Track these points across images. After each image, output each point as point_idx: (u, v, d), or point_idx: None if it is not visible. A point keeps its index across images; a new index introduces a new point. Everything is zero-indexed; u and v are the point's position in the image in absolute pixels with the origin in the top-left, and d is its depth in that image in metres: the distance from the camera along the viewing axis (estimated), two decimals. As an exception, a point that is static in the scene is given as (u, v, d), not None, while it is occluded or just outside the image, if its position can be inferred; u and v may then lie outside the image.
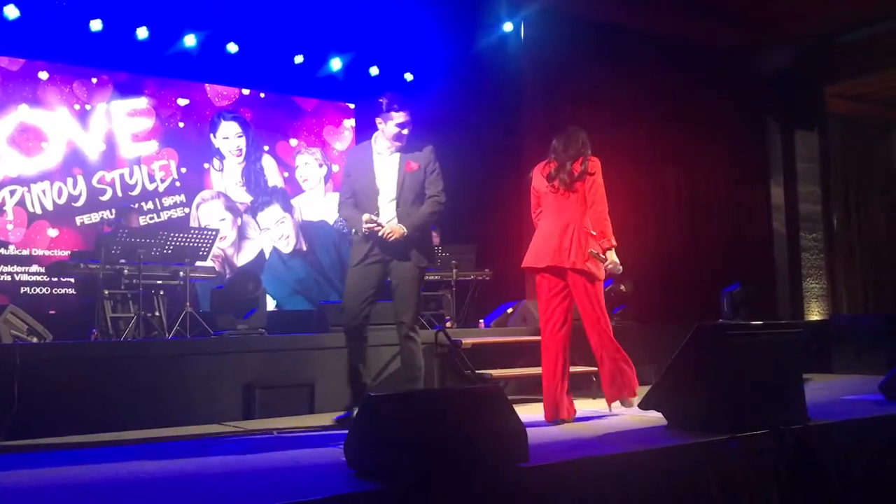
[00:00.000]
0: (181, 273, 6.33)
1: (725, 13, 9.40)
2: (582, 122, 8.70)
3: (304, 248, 9.55)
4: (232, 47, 8.69)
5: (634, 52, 9.22)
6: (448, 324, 7.50)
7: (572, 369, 6.00)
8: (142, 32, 8.19)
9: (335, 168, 9.87)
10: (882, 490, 4.04)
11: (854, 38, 10.08)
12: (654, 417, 4.15)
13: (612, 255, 4.41)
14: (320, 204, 9.74)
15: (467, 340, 5.86)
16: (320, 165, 9.79)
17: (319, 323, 5.80)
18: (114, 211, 8.09)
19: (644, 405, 4.10)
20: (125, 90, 8.71)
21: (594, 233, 4.38)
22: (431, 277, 7.62)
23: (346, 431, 3.09)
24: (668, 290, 8.24)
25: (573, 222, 4.39)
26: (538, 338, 6.33)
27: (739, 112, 10.18)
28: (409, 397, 3.12)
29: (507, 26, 8.56)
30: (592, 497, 3.12)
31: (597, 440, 3.76)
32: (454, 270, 7.36)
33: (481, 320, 7.78)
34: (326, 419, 4.87)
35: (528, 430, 3.14)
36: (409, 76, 9.63)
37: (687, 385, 3.88)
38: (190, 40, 8.40)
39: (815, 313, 10.26)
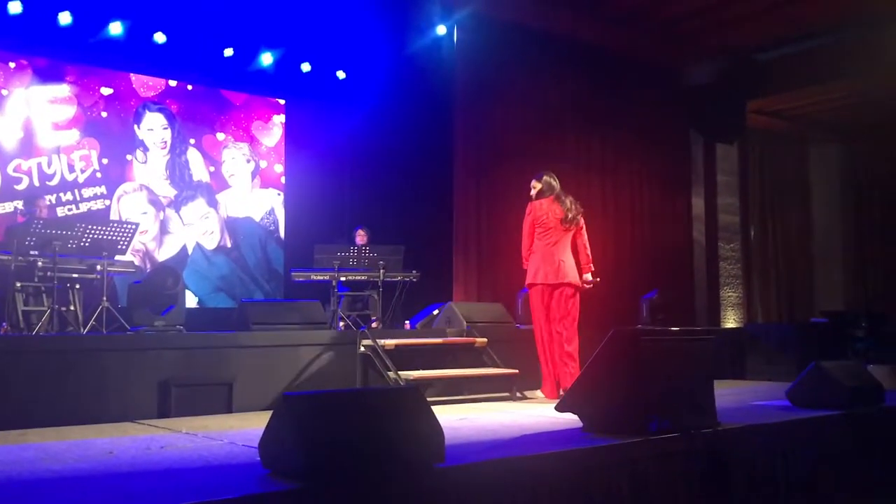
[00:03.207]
0: (98, 267, 6.14)
1: (653, 26, 9.64)
2: (512, 125, 8.90)
3: (229, 245, 9.40)
4: (159, 37, 8.50)
5: (564, 59, 9.38)
6: (374, 324, 7.48)
7: (495, 371, 6.15)
8: (65, 17, 7.93)
9: (263, 164, 9.74)
10: (783, 493, 4.20)
11: (773, 56, 10.47)
12: (570, 419, 4.22)
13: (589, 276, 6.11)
14: (247, 200, 9.60)
15: (391, 341, 5.83)
16: (248, 161, 9.65)
17: (240, 321, 5.71)
18: (22, 203, 7.78)
19: (560, 407, 4.17)
20: (46, 76, 8.42)
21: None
22: (358, 278, 7.58)
23: (262, 431, 3.05)
24: (589, 294, 8.37)
25: (569, 250, 5.99)
26: (463, 339, 6.46)
27: (664, 123, 10.45)
28: (326, 397, 3.10)
29: (441, 29, 8.60)
30: (507, 498, 3.16)
31: (513, 442, 3.80)
32: (381, 271, 7.33)
33: (407, 321, 7.78)
34: (245, 419, 4.82)
35: (446, 431, 3.14)
36: (341, 74, 9.59)
37: (602, 388, 3.96)
38: (115, 28, 8.18)
39: (731, 321, 10.61)
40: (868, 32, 9.44)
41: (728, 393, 6.19)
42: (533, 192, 6.00)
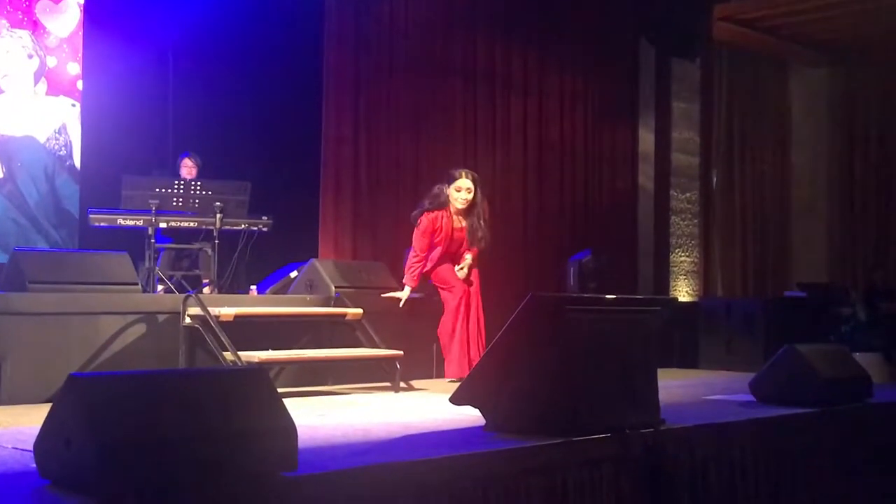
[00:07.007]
0: None
1: None
2: (404, 24, 8.83)
3: (1, 175, 9.05)
4: None
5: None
6: (206, 289, 7.42)
7: (372, 353, 6.21)
8: None
9: (52, 62, 9.37)
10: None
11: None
12: (471, 416, 4.27)
13: None
14: (27, 112, 9.24)
15: (230, 311, 5.80)
16: (29, 56, 9.27)
17: (12, 278, 5.58)
18: None
19: (457, 399, 4.20)
20: None
21: None
22: (186, 224, 7.42)
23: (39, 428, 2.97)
24: (502, 255, 8.48)
25: None
26: (330, 310, 6.47)
27: (606, 30, 10.59)
28: (130, 380, 3.03)
29: None
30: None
31: (390, 444, 3.83)
32: (218, 216, 7.22)
33: (253, 286, 7.73)
34: (17, 413, 4.72)
35: (302, 430, 3.15)
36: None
37: (511, 375, 4.01)
38: None
39: (683, 293, 10.95)
40: None
41: (676, 385, 6.40)
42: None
